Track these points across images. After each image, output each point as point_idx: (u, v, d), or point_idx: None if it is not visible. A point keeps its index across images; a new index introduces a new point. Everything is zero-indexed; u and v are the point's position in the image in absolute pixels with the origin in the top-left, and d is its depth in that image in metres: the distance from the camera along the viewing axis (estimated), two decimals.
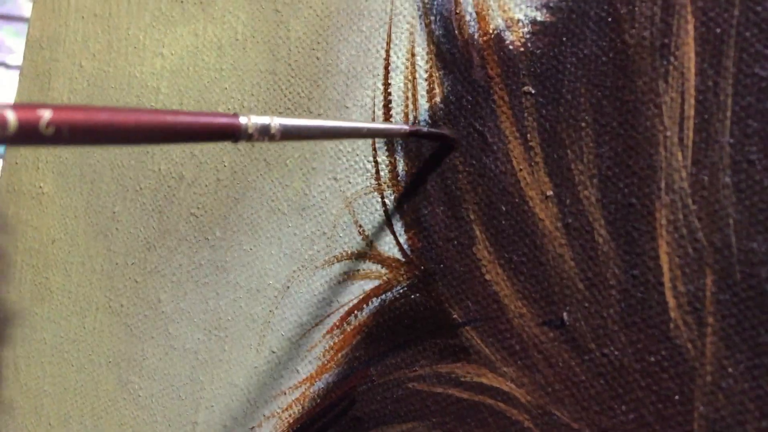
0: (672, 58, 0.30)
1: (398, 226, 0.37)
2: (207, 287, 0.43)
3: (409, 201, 0.37)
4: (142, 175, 0.46)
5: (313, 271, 0.39)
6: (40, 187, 0.52)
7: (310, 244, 0.39)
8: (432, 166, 0.36)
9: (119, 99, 0.48)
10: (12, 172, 0.54)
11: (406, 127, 0.35)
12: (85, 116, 0.22)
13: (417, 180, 0.36)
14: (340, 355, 0.38)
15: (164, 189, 0.45)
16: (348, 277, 0.38)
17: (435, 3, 0.36)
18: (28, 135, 0.20)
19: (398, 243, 0.37)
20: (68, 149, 0.50)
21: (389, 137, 0.37)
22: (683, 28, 0.30)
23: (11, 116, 0.19)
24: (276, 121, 0.28)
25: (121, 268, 0.47)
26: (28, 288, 0.51)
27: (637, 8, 0.31)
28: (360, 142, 0.38)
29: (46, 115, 0.20)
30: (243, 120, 0.27)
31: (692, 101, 0.29)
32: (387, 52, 0.38)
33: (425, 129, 0.35)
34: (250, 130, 0.27)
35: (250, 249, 0.42)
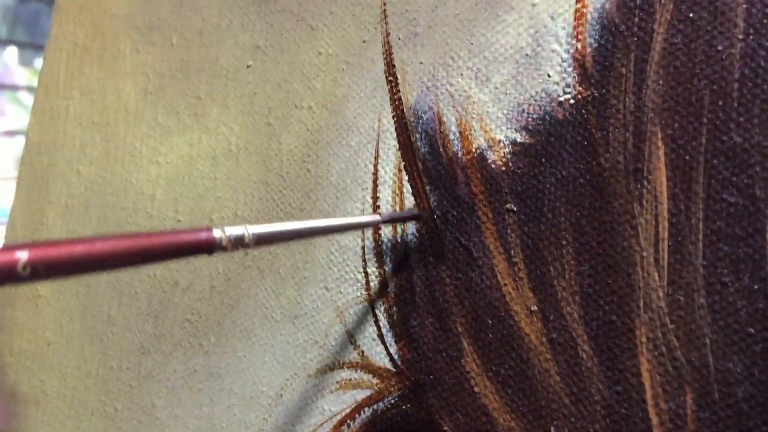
0: (645, 182, 0.32)
1: (389, 337, 0.38)
2: (201, 393, 0.44)
3: (399, 312, 0.38)
4: (137, 280, 0.47)
5: (306, 380, 0.40)
6: (37, 289, 0.53)
7: (303, 352, 0.40)
8: (417, 265, 0.37)
9: (116, 204, 0.49)
10: None
11: (377, 217, 0.36)
12: (60, 252, 0.23)
13: (406, 291, 0.38)
14: None
15: (159, 294, 0.46)
16: (340, 386, 0.39)
17: (420, 121, 0.38)
18: (6, 277, 0.21)
19: (389, 353, 0.38)
20: None
21: (362, 228, 0.38)
22: (655, 154, 0.32)
23: None
24: (249, 230, 0.29)
25: (116, 372, 0.48)
26: (23, 391, 0.52)
27: (610, 134, 0.33)
28: (350, 253, 0.39)
29: (23, 257, 0.21)
30: (217, 233, 0.28)
31: (666, 224, 0.31)
32: (375, 166, 0.39)
33: (396, 213, 0.37)
34: (224, 243, 0.28)
35: (244, 356, 0.42)
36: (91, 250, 0.23)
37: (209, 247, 0.27)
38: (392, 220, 0.37)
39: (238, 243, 0.28)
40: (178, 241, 0.27)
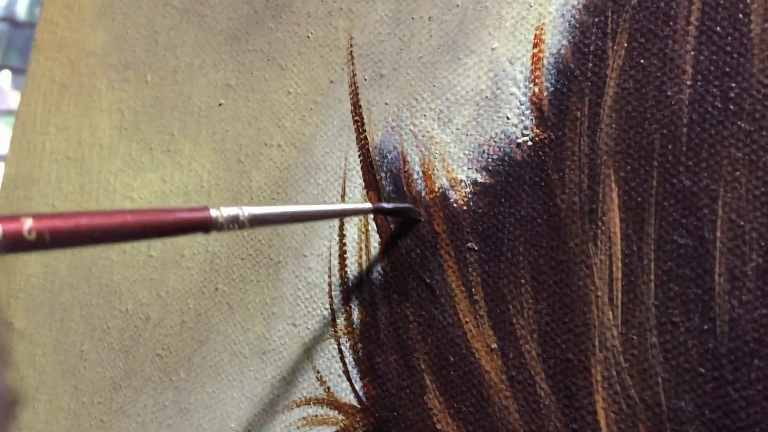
0: (600, 223, 0.32)
1: (354, 373, 0.38)
2: (171, 429, 0.44)
3: (364, 348, 0.38)
4: (110, 315, 0.48)
5: (274, 416, 0.40)
6: (12, 323, 0.53)
7: (271, 388, 0.41)
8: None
9: None
10: None
11: (369, 205, 0.37)
12: (65, 222, 0.23)
13: (371, 328, 0.38)
14: None
15: (131, 329, 0.47)
16: (307, 422, 0.39)
17: (385, 161, 0.39)
18: (14, 243, 0.22)
19: (354, 390, 0.38)
20: (38, 286, 0.52)
21: (354, 215, 0.39)
22: (609, 196, 0.32)
23: None
24: (245, 210, 0.30)
25: (87, 407, 0.48)
26: None
27: (566, 175, 0.33)
28: (317, 289, 0.40)
29: (29, 223, 0.22)
30: (214, 212, 0.29)
31: (619, 264, 0.32)
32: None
33: (389, 206, 0.37)
34: (220, 220, 0.29)
35: (213, 392, 0.43)
36: (93, 222, 0.24)
37: (206, 225, 0.29)
38: (384, 211, 0.37)
39: (233, 222, 0.29)
40: (177, 219, 0.28)
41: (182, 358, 0.44)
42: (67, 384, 0.49)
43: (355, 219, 0.39)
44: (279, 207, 0.33)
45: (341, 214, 0.38)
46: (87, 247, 0.26)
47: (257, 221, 0.31)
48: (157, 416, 0.44)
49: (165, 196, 0.47)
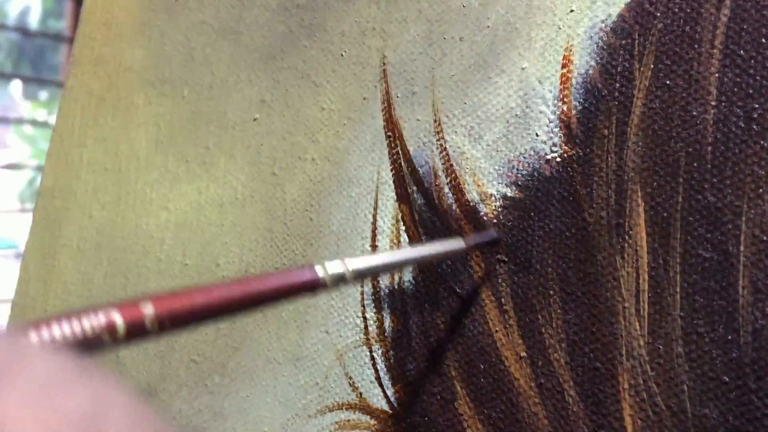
0: (627, 237, 0.34)
1: (386, 380, 0.40)
2: None
3: (395, 356, 0.40)
4: None
5: (306, 420, 0.42)
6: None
7: (304, 393, 0.42)
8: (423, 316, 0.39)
9: (126, 248, 0.51)
10: None
11: (462, 244, 0.37)
12: (183, 303, 0.23)
13: (403, 336, 0.39)
14: None
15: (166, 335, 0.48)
16: (339, 426, 0.41)
17: (417, 175, 0.40)
18: (136, 333, 0.21)
19: (386, 396, 0.39)
20: (74, 294, 0.53)
21: (449, 258, 0.39)
22: (635, 211, 0.34)
23: (119, 320, 0.21)
24: (349, 265, 0.30)
25: None
26: None
27: (594, 191, 0.35)
28: (350, 298, 0.41)
29: (149, 311, 0.21)
30: (320, 272, 0.29)
31: (646, 276, 0.33)
32: (374, 217, 0.42)
33: (478, 240, 0.37)
34: (327, 281, 0.29)
35: (247, 396, 0.44)
36: (209, 299, 0.24)
37: (315, 287, 0.29)
38: (476, 247, 0.37)
39: (339, 280, 0.30)
40: (288, 284, 0.28)
41: (217, 364, 0.46)
42: None
43: (387, 231, 0.41)
44: (381, 256, 0.33)
45: (437, 258, 0.38)
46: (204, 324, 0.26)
47: (361, 275, 0.31)
48: (192, 420, 0.46)
49: (200, 207, 0.49)
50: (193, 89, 0.50)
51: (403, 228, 0.40)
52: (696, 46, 0.33)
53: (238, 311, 0.26)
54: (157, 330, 0.22)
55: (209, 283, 0.27)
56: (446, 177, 0.39)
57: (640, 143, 0.34)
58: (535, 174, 0.37)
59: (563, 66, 0.37)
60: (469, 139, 0.39)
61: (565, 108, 0.36)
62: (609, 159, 0.35)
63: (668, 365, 0.32)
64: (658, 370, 0.32)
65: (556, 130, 0.36)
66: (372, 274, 0.32)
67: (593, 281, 0.34)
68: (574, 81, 0.36)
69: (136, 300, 0.22)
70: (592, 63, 0.36)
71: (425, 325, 0.39)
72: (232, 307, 0.25)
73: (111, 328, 0.21)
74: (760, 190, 0.31)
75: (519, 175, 0.37)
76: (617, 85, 0.35)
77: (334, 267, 0.29)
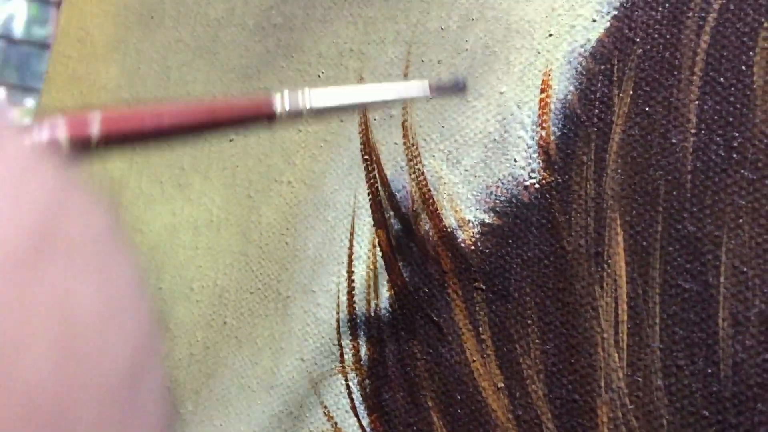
0: (605, 266, 0.33)
1: (361, 409, 0.39)
2: None
3: (371, 385, 0.39)
4: None
5: None
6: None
7: (278, 422, 0.41)
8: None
9: None
10: None
11: (426, 89, 0.35)
12: (131, 123, 0.23)
13: (379, 365, 0.39)
14: None
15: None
16: None
17: (394, 200, 0.40)
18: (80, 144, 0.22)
19: (361, 426, 0.38)
20: None
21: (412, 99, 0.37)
22: (614, 239, 0.33)
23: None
24: (308, 102, 0.30)
25: None
26: None
27: (573, 218, 0.34)
28: (326, 325, 0.41)
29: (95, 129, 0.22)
30: (278, 106, 0.29)
31: (625, 307, 0.32)
32: (351, 242, 0.41)
33: (442, 86, 0.36)
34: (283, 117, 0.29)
35: (221, 425, 0.43)
36: (159, 121, 0.24)
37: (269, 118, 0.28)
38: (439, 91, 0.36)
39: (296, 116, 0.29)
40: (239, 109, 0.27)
41: (190, 391, 0.45)
42: None
43: (364, 256, 0.40)
44: (343, 91, 0.32)
45: (399, 100, 0.36)
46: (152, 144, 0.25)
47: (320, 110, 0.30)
48: None
49: (174, 229, 0.48)
50: None
51: (380, 254, 0.40)
52: (675, 72, 0.33)
53: (190, 134, 0.26)
54: (101, 140, 0.22)
55: (161, 104, 0.27)
56: (423, 202, 0.39)
57: (619, 170, 0.33)
58: (514, 200, 0.36)
59: (542, 91, 0.36)
60: (447, 164, 0.38)
61: (543, 133, 0.36)
62: (588, 186, 0.34)
63: (647, 398, 0.31)
64: (637, 404, 0.31)
65: (535, 155, 0.36)
66: (332, 111, 0.31)
67: (572, 311, 0.34)
68: (552, 106, 0.36)
69: (84, 112, 0.22)
70: (571, 88, 0.35)
71: (402, 353, 0.38)
72: (183, 129, 0.25)
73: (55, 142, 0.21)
74: (740, 220, 0.30)
75: (497, 201, 0.36)
76: (596, 111, 0.34)
77: (293, 100, 0.29)
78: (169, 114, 0.25)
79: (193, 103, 0.26)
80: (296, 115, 0.30)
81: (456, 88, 0.36)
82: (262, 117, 0.29)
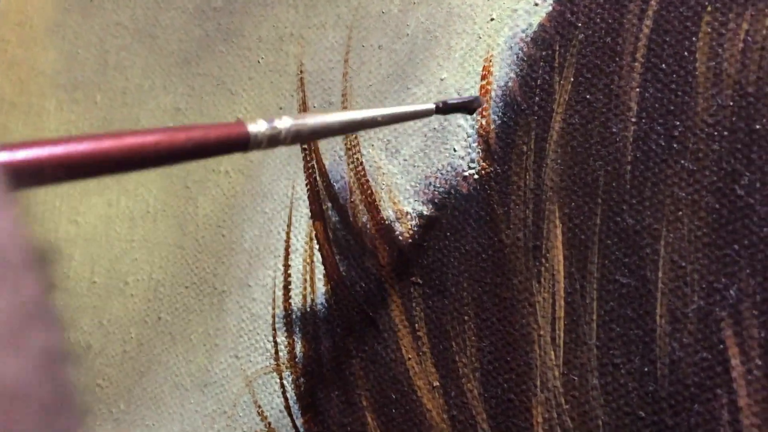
0: (543, 260, 0.32)
1: (295, 409, 0.37)
2: None
3: (306, 383, 0.37)
4: None
5: None
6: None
7: (211, 422, 0.39)
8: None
9: None
10: None
11: (431, 105, 0.32)
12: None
13: (314, 362, 0.37)
14: None
15: (71, 358, 0.45)
16: None
17: (332, 190, 0.38)
18: None
19: (295, 426, 0.37)
20: None
21: (415, 119, 0.34)
22: (553, 232, 0.32)
23: None
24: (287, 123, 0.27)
25: None
26: None
27: (511, 210, 0.33)
28: (261, 321, 0.39)
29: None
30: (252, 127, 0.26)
31: (562, 303, 0.31)
32: (288, 234, 0.39)
33: (455, 101, 0.33)
34: (260, 137, 0.26)
35: (153, 425, 0.41)
36: (72, 152, 0.21)
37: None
38: (447, 108, 0.33)
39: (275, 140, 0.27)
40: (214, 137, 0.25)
41: (122, 389, 0.43)
42: None
43: (301, 249, 0.38)
44: (324, 116, 0.28)
45: (400, 119, 0.32)
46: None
47: (300, 136, 0.28)
48: None
49: (110, 220, 0.46)
50: (106, 95, 0.48)
51: (317, 246, 0.38)
52: (617, 58, 0.32)
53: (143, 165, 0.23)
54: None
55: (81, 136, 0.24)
56: (362, 193, 0.37)
57: (558, 160, 0.32)
58: (452, 191, 0.34)
59: (483, 77, 0.35)
60: (386, 153, 0.37)
61: (483, 122, 0.34)
62: (527, 177, 0.33)
63: (583, 398, 0.30)
64: (572, 404, 0.30)
65: (474, 145, 0.34)
66: (314, 134, 0.28)
67: (509, 307, 0.32)
68: (493, 93, 0.34)
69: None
70: (512, 75, 0.34)
71: (337, 350, 0.36)
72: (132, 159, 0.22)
73: None
74: (680, 213, 0.29)
75: (436, 192, 0.35)
76: (537, 98, 0.33)
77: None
78: (86, 145, 0.22)
79: (158, 132, 0.23)
80: (275, 143, 0.27)
81: (471, 106, 0.34)
82: (236, 146, 0.26)
